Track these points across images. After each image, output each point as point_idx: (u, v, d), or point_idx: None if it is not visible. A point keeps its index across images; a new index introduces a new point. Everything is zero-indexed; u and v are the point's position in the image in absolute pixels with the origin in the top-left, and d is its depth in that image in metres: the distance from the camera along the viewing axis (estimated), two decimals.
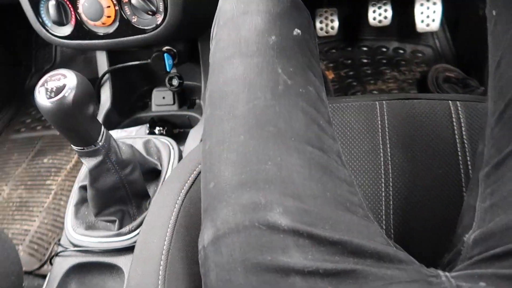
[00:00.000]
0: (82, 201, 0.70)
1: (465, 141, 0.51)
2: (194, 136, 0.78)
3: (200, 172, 0.55)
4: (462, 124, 0.52)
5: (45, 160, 1.27)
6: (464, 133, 0.52)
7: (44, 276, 1.00)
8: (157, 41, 0.78)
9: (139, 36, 0.77)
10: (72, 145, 0.58)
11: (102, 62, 0.92)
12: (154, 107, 0.93)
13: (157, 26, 0.75)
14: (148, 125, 0.88)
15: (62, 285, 0.63)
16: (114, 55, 0.92)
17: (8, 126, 1.45)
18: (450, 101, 0.55)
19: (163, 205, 0.52)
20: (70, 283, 0.64)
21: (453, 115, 0.53)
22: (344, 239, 0.34)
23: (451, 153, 0.51)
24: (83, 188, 0.70)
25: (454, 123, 0.53)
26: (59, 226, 1.08)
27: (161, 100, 0.92)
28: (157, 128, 0.87)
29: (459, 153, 0.51)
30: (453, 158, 0.51)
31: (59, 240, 1.05)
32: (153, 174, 0.72)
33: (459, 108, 0.54)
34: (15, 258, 0.70)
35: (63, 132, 0.56)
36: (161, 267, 0.46)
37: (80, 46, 0.81)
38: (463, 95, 0.57)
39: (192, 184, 0.54)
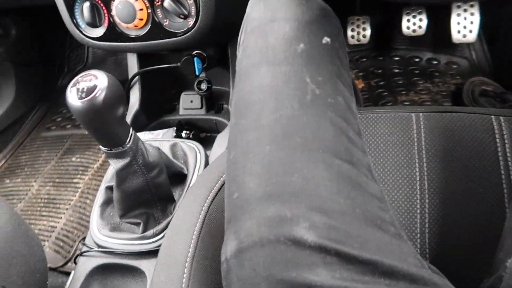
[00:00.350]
0: (108, 201, 0.70)
1: (509, 159, 0.48)
2: (221, 142, 0.77)
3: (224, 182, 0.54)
4: (506, 141, 0.50)
5: (73, 159, 1.30)
6: (507, 150, 0.49)
7: (68, 273, 1.01)
8: (188, 45, 0.78)
9: (170, 39, 0.77)
10: (100, 146, 0.58)
11: (132, 64, 0.93)
12: (181, 111, 0.93)
13: (188, 30, 0.75)
14: (175, 128, 0.88)
15: (85, 285, 0.64)
16: (144, 57, 0.93)
17: (39, 124, 1.49)
18: (493, 116, 0.52)
19: (189, 210, 0.51)
20: (93, 283, 0.64)
21: (496, 131, 0.51)
22: (375, 258, 0.32)
23: (493, 171, 0.48)
24: (110, 189, 0.71)
25: (497, 139, 0.50)
26: (84, 225, 1.10)
27: (189, 104, 0.92)
28: (184, 131, 0.87)
29: (502, 171, 0.48)
30: (495, 176, 0.48)
31: (83, 238, 1.07)
32: (179, 178, 0.71)
33: (503, 123, 0.51)
34: (41, 256, 0.71)
35: (92, 132, 0.56)
36: (185, 275, 0.45)
37: (112, 48, 0.83)
38: (506, 110, 0.54)
39: (218, 191, 0.53)
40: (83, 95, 0.52)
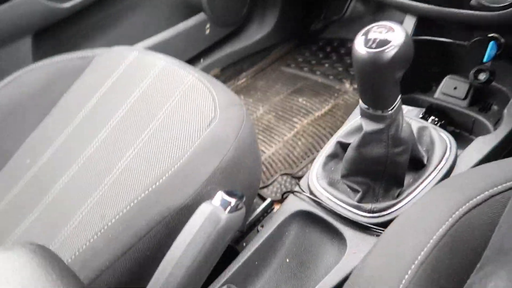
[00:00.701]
0: (334, 155, 0.69)
1: None
2: (480, 147, 0.64)
3: (491, 196, 0.44)
4: None
5: (300, 100, 1.36)
6: None
7: (261, 197, 1.10)
8: (495, 24, 0.65)
9: (479, 12, 0.65)
10: (360, 101, 0.55)
11: (407, 27, 0.84)
12: (438, 94, 0.82)
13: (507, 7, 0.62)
14: (424, 110, 0.79)
15: (286, 221, 0.65)
16: (423, 23, 0.83)
17: (282, 58, 1.60)
18: None
19: (435, 211, 0.44)
20: (293, 224, 0.66)
21: None
22: None
23: None
24: (340, 144, 0.69)
25: None
26: (289, 162, 1.16)
27: (451, 90, 0.80)
28: (432, 117, 0.77)
29: None
30: None
31: (285, 174, 1.13)
32: (415, 165, 0.64)
33: None
34: (259, 174, 0.77)
35: (363, 85, 0.53)
36: (406, 276, 0.39)
37: (400, 4, 0.76)
38: None
39: (478, 204, 0.43)
40: (373, 45, 0.48)
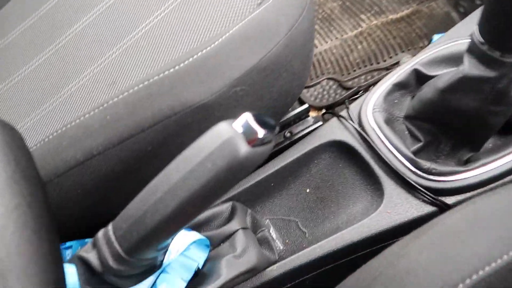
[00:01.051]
0: (404, 85, 0.54)
1: None
2: None
3: None
4: None
5: None
6: None
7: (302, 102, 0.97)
8: None
9: None
10: (475, 29, 0.38)
11: None
12: None
13: None
14: None
15: (320, 148, 0.54)
16: None
17: None
18: None
19: None
20: (326, 153, 0.55)
21: None
22: None
23: None
24: (417, 73, 0.53)
25: None
26: (339, 65, 0.99)
27: None
28: None
29: None
30: None
31: (330, 79, 0.98)
32: (501, 127, 0.49)
33: None
34: (304, 80, 0.64)
35: (495, 8, 0.35)
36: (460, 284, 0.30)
37: None
38: None
39: None
40: None
